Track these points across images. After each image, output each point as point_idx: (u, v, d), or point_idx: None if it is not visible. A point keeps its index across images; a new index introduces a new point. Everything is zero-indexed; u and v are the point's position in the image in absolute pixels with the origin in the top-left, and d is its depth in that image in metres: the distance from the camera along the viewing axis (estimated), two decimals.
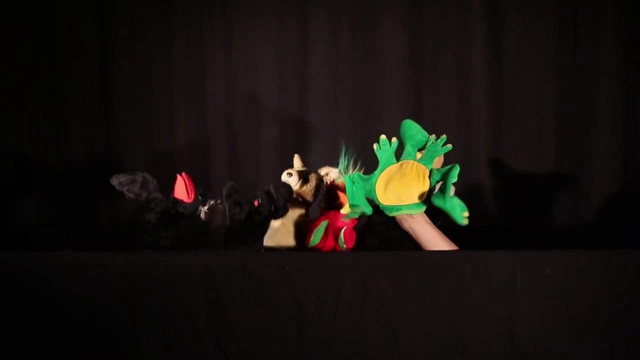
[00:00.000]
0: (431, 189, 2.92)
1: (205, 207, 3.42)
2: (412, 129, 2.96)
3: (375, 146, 2.99)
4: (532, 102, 4.33)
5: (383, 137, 2.97)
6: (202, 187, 3.51)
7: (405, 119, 3.21)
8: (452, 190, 2.88)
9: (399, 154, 2.98)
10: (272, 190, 3.33)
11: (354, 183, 2.94)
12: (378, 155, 2.99)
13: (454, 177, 2.81)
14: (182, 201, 3.36)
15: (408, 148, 3.00)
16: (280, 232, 3.41)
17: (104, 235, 3.96)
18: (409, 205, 2.91)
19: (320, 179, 3.42)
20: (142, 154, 4.37)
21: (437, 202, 2.85)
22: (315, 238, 3.28)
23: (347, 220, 3.21)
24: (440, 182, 2.89)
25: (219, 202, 3.42)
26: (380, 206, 2.95)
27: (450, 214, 2.87)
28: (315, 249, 3.31)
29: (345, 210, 3.18)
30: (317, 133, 4.38)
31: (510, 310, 3.02)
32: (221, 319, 3.06)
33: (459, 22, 4.34)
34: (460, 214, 2.88)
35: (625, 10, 4.27)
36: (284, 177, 3.41)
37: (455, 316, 3.03)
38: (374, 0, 4.36)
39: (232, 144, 4.39)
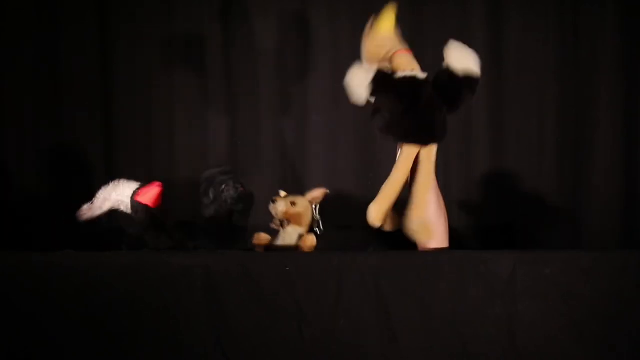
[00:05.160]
0: None
1: None
2: None
3: None
4: (532, 103, 4.33)
5: None
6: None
7: None
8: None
9: None
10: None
11: None
12: None
13: None
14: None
15: None
16: None
17: (104, 235, 3.95)
18: None
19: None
20: (142, 154, 4.37)
21: None
22: None
23: None
24: None
25: None
26: None
27: None
28: None
29: None
30: (317, 133, 4.38)
31: (510, 310, 3.03)
32: (221, 319, 3.06)
33: (459, 22, 4.33)
34: None
35: (625, 10, 4.27)
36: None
37: (455, 316, 3.03)
38: (374, 0, 4.36)
39: (232, 144, 4.39)
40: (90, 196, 3.61)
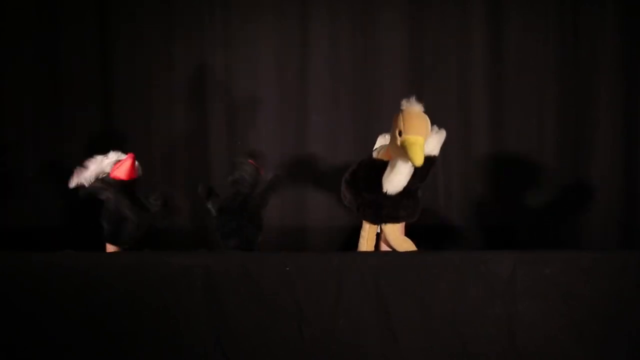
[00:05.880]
0: None
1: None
2: None
3: None
4: (532, 103, 4.33)
5: None
6: (202, 187, 3.59)
7: None
8: None
9: None
10: (238, 177, 3.51)
11: None
12: None
13: None
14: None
15: None
16: None
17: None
18: None
19: None
20: (142, 154, 4.36)
21: None
22: None
23: None
24: None
25: None
26: None
27: None
28: None
29: None
30: (317, 133, 4.38)
31: (510, 310, 3.03)
32: (221, 319, 3.06)
33: (459, 22, 4.33)
34: None
35: (625, 10, 4.27)
36: None
37: (455, 316, 3.03)
38: (374, 0, 4.36)
39: (231, 143, 4.39)
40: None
